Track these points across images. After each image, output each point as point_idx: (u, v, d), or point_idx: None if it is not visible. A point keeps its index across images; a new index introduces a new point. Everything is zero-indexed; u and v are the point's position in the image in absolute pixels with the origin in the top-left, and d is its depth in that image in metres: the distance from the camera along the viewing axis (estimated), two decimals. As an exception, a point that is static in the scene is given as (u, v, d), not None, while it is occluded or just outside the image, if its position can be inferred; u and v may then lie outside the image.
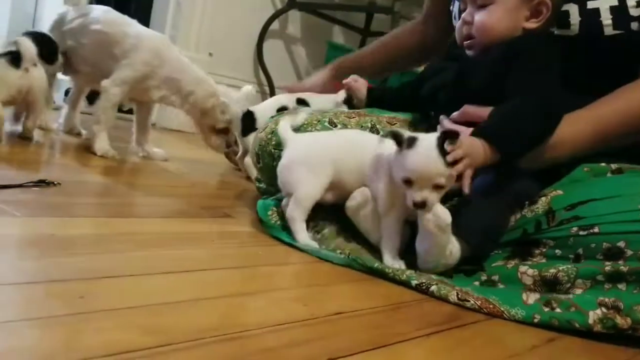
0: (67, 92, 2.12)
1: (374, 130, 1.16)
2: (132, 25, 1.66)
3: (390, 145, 0.92)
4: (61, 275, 0.68)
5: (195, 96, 1.61)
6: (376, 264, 0.92)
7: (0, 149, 1.40)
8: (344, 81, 1.32)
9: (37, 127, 1.61)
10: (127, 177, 1.52)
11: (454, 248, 0.90)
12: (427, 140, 0.87)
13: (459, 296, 0.85)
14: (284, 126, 1.11)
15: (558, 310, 0.82)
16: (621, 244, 0.83)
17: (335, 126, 1.16)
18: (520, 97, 0.93)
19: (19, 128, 1.58)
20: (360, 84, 1.30)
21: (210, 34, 2.73)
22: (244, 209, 1.25)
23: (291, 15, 3.06)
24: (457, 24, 1.10)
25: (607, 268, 0.83)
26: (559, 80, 0.96)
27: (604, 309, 0.80)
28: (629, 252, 0.82)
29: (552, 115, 0.95)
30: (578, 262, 0.86)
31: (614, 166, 0.98)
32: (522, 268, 0.89)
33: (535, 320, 0.82)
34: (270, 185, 1.23)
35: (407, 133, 0.91)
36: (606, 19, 1.01)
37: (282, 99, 1.55)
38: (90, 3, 1.80)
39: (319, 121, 1.17)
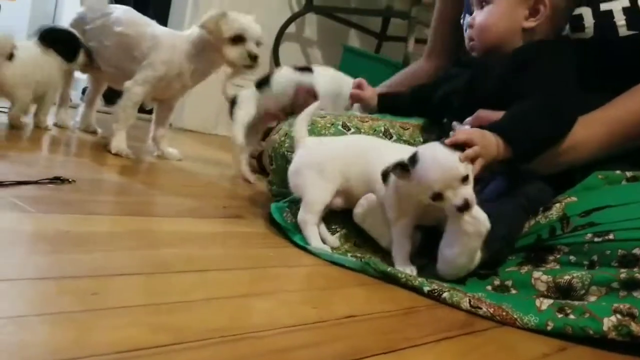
0: (84, 91, 2.14)
1: (387, 134, 1.16)
2: (150, 25, 1.68)
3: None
4: (74, 271, 0.69)
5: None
6: (389, 269, 0.92)
7: (17, 146, 1.41)
8: (351, 92, 1.30)
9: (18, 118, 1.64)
10: (142, 176, 1.53)
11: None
12: (426, 148, 0.88)
13: (472, 303, 0.84)
14: (301, 126, 1.10)
15: (572, 316, 0.81)
16: (636, 251, 0.82)
17: (349, 130, 1.16)
18: (533, 97, 0.93)
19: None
20: (369, 93, 1.29)
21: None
22: (257, 210, 1.25)
23: (308, 18, 3.07)
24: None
25: (622, 275, 0.82)
26: (574, 83, 0.96)
27: (618, 316, 0.79)
28: (645, 260, 0.81)
29: (565, 116, 0.94)
30: (592, 269, 0.85)
31: (629, 174, 0.97)
32: (536, 274, 0.88)
33: (549, 328, 0.81)
34: (282, 187, 1.23)
35: (404, 157, 0.89)
36: (620, 20, 1.01)
37: None
38: (110, 2, 1.81)
39: (332, 124, 1.17)
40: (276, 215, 1.11)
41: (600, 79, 1.01)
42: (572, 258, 0.88)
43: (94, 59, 1.74)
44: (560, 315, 0.82)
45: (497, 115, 0.96)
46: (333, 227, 1.07)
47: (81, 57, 1.71)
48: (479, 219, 0.86)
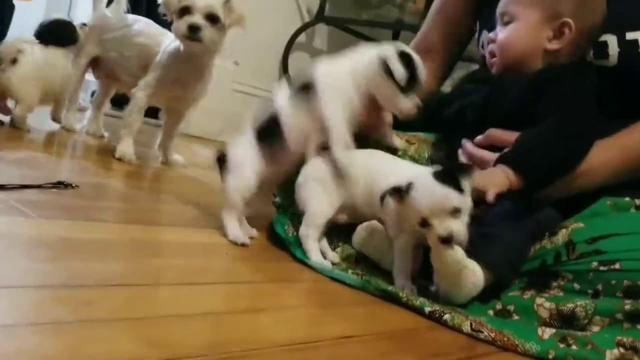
0: (93, 94, 2.15)
1: (391, 149, 1.15)
2: (166, 34, 1.68)
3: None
4: (70, 280, 0.68)
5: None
6: (390, 287, 0.90)
7: (23, 147, 1.41)
8: None
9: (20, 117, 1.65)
10: (146, 182, 1.52)
11: (475, 279, 0.87)
12: (424, 175, 0.88)
13: (473, 327, 0.83)
14: None
15: (574, 347, 0.80)
16: None
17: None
18: (547, 122, 0.92)
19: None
20: None
21: (237, 43, 2.74)
22: (258, 222, 1.24)
23: (318, 28, 3.07)
24: (485, 51, 1.09)
25: (627, 307, 0.80)
26: (593, 108, 0.95)
27: (621, 349, 0.78)
28: (650, 292, 0.80)
29: (584, 137, 0.93)
30: (597, 298, 0.84)
31: (638, 201, 0.95)
32: (539, 300, 0.87)
33: (550, 356, 0.79)
34: (284, 199, 1.22)
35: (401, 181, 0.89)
36: None
37: None
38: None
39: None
40: (278, 227, 1.10)
41: (620, 105, 1.00)
42: (576, 286, 0.86)
43: (106, 66, 1.76)
44: (562, 345, 0.81)
45: (508, 135, 0.95)
46: (335, 241, 1.06)
47: (81, 35, 1.75)
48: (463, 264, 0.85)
